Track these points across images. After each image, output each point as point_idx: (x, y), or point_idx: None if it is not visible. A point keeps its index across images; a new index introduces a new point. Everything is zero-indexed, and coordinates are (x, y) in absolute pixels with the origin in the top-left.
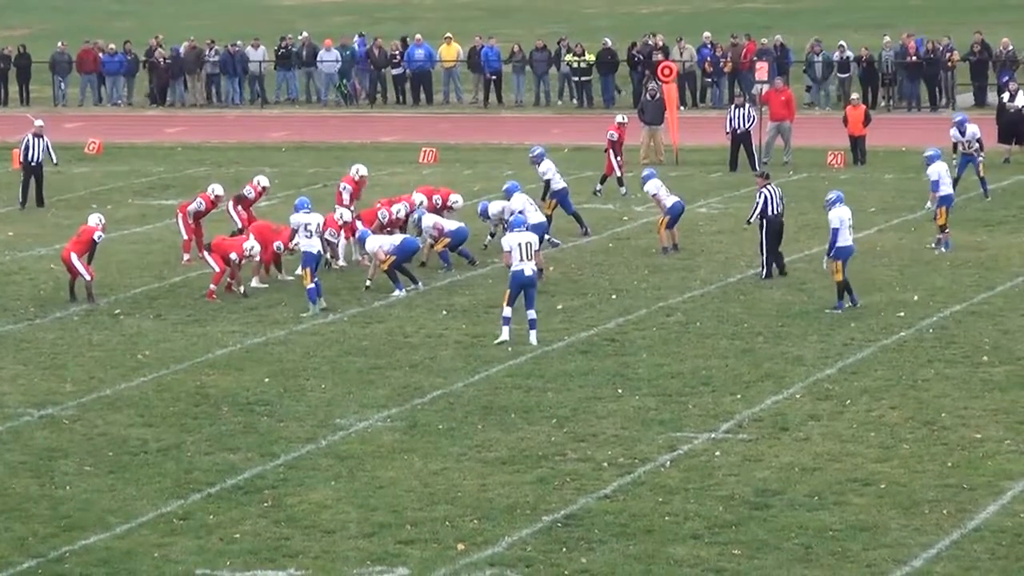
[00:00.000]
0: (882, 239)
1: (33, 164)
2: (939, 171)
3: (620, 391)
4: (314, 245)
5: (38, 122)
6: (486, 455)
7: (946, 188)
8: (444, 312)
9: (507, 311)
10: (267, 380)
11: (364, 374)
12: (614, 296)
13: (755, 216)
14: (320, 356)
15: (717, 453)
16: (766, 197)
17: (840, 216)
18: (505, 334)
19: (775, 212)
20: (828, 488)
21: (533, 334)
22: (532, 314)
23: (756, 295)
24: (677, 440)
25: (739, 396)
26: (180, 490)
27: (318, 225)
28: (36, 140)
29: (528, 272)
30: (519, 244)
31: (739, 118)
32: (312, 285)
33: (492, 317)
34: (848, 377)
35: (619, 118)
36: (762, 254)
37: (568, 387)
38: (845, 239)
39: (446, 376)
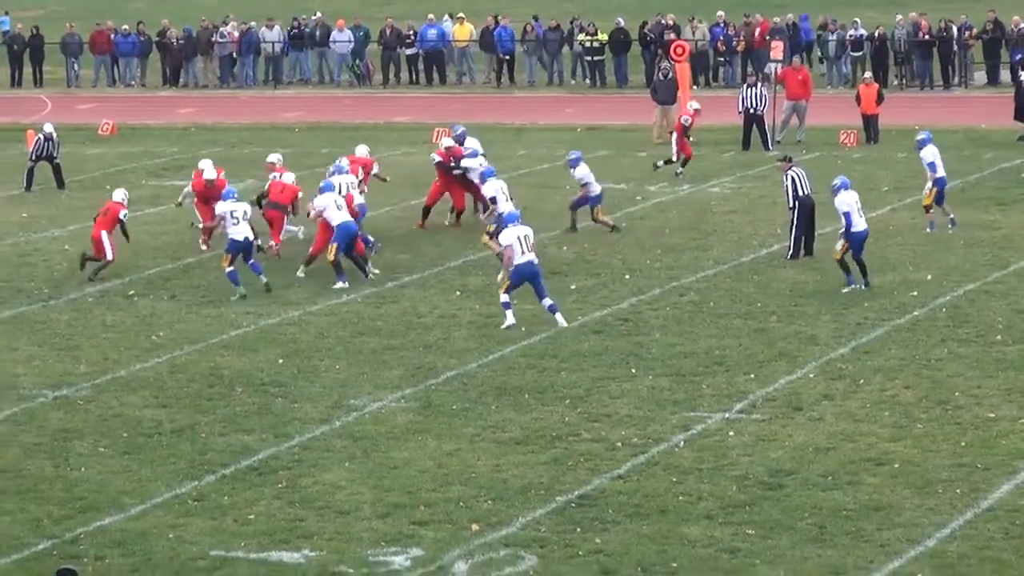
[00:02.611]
0: (895, 218)
1: (44, 156)
2: (933, 153)
3: (634, 371)
4: (240, 232)
5: (48, 127)
6: (500, 435)
7: (939, 170)
8: (458, 292)
9: (505, 297)
10: (281, 361)
11: (378, 355)
12: (627, 276)
13: (791, 200)
14: (334, 337)
15: (731, 433)
16: (794, 179)
17: (847, 200)
18: (510, 317)
19: (805, 192)
20: (842, 468)
21: (559, 316)
22: (548, 301)
23: (769, 275)
24: (691, 420)
25: (752, 376)
26: (195, 471)
27: (244, 212)
28: (47, 144)
29: (534, 262)
30: (518, 238)
31: (752, 97)
32: (231, 268)
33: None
34: (861, 357)
35: (694, 104)
36: (791, 235)
37: (582, 367)
38: (857, 223)
39: (460, 356)
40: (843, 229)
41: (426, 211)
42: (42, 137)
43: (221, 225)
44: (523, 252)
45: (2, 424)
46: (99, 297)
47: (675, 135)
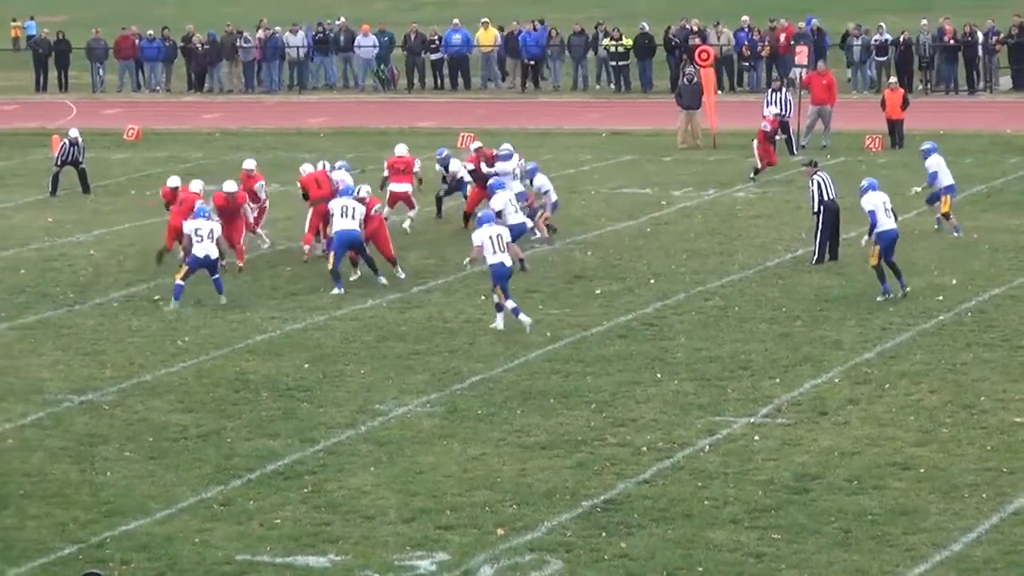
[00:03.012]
0: (921, 223)
1: (69, 162)
2: (938, 163)
3: (659, 375)
4: (202, 249)
5: (73, 132)
6: (525, 440)
7: (947, 179)
8: (483, 297)
9: (496, 297)
10: (307, 366)
11: (403, 359)
12: (652, 281)
13: (816, 204)
14: (360, 342)
15: (756, 437)
16: (819, 183)
17: (874, 200)
18: (498, 322)
19: (830, 197)
20: (867, 472)
21: (523, 315)
22: (512, 304)
23: (794, 279)
24: (716, 424)
25: (778, 380)
26: (220, 476)
27: (211, 231)
28: (72, 148)
29: (507, 264)
30: (490, 237)
31: (776, 102)
32: (180, 282)
33: (532, 302)
34: (887, 361)
35: (773, 109)
36: (816, 239)
37: (607, 372)
38: (884, 223)
39: (485, 361)
40: (869, 230)
41: (467, 217)
42: (67, 142)
43: (188, 242)
44: (495, 252)
45: (28, 428)
46: (125, 302)
47: (756, 143)
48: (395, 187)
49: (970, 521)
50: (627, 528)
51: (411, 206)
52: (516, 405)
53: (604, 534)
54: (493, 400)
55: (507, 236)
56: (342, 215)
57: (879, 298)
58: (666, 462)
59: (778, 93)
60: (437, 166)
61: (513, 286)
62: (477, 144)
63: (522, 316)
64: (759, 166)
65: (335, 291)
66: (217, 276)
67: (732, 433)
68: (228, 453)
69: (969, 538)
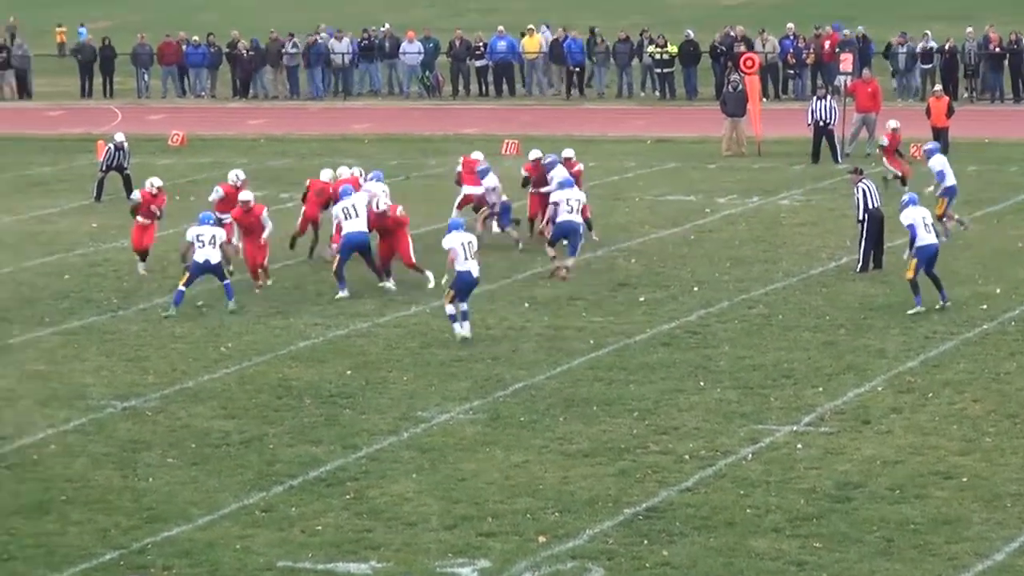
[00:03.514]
0: (964, 232)
1: (114, 167)
2: (942, 163)
3: (702, 383)
4: (203, 255)
5: (119, 136)
6: (568, 447)
7: (950, 179)
8: (526, 304)
9: (450, 309)
10: (349, 372)
11: (446, 366)
12: (696, 288)
13: (861, 212)
14: (402, 348)
15: (799, 446)
16: (864, 191)
17: (913, 215)
18: (459, 329)
19: (875, 205)
20: (910, 481)
21: (466, 325)
22: (464, 306)
23: (838, 287)
24: (759, 433)
25: (821, 389)
26: (262, 482)
27: (213, 237)
28: (118, 152)
29: (475, 273)
30: (462, 244)
31: (821, 110)
32: (183, 289)
33: (575, 309)
34: (930, 370)
35: (893, 123)
36: (860, 247)
37: (650, 379)
38: (923, 237)
39: (528, 368)
40: (909, 244)
41: (532, 223)
42: (112, 147)
43: (189, 248)
44: (465, 259)
45: (71, 434)
46: (168, 308)
47: (885, 160)
48: (468, 189)
49: (1013, 531)
50: (669, 536)
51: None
52: (559, 412)
53: (646, 542)
54: (536, 407)
55: (476, 244)
56: (346, 217)
57: (910, 312)
58: (708, 470)
59: (822, 101)
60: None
61: (556, 294)
62: (537, 153)
63: (458, 326)
64: (901, 175)
65: (340, 294)
66: (226, 281)
67: (775, 441)
68: (270, 459)
69: (1012, 548)
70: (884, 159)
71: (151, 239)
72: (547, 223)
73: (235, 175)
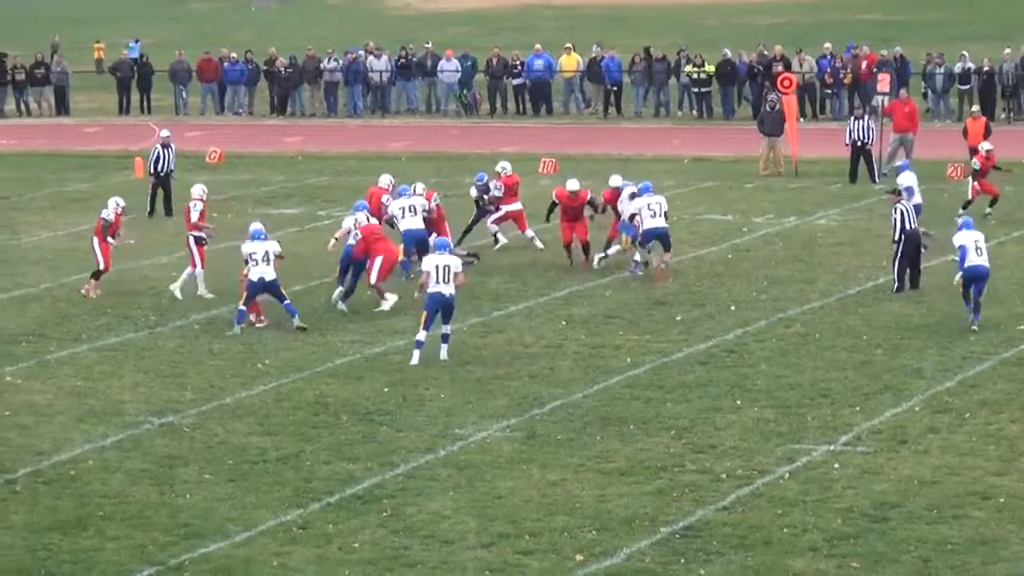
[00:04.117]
0: (1002, 252)
1: (162, 174)
2: (911, 180)
3: (739, 402)
4: (257, 272)
5: (164, 132)
6: (605, 466)
7: (917, 198)
8: (563, 322)
9: (422, 335)
10: (386, 390)
11: (483, 384)
12: (733, 307)
13: (897, 233)
14: (439, 366)
15: (836, 465)
16: (902, 212)
17: (965, 239)
18: (415, 358)
19: (912, 227)
20: (947, 501)
21: (444, 348)
22: (447, 328)
23: (875, 307)
24: (796, 452)
25: (858, 408)
26: (299, 499)
27: (266, 253)
28: (164, 150)
29: (447, 294)
30: (435, 266)
31: (859, 130)
32: (243, 308)
33: (612, 328)
34: (968, 390)
35: (986, 145)
36: (894, 268)
37: (687, 398)
38: (973, 260)
39: (565, 386)
40: (959, 265)
41: (586, 248)
42: (159, 145)
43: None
44: (437, 281)
45: (108, 450)
46: (205, 324)
47: (974, 183)
48: (508, 207)
49: None
50: (706, 555)
51: (523, 226)
52: (596, 431)
53: (683, 560)
54: (573, 425)
55: (455, 267)
56: (402, 216)
57: (972, 327)
58: (745, 489)
59: (860, 121)
60: (473, 191)
61: (594, 312)
62: (617, 180)
63: (444, 347)
64: (994, 196)
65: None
66: (286, 301)
67: (812, 461)
68: (307, 476)
69: None
70: (973, 182)
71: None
72: (631, 238)
73: (201, 189)
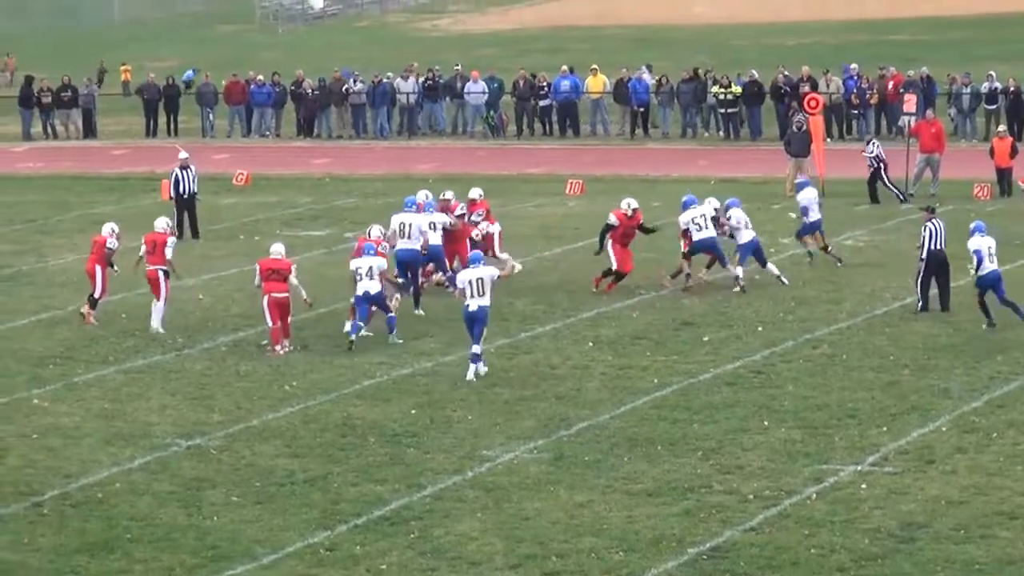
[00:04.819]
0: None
1: (185, 196)
2: (810, 198)
3: (766, 423)
4: (361, 287)
5: (183, 154)
6: (632, 487)
7: (815, 215)
8: (590, 344)
9: (475, 348)
10: (414, 411)
11: (510, 405)
12: (760, 328)
13: (924, 252)
14: (467, 387)
15: (863, 486)
16: (931, 231)
17: (979, 243)
18: (471, 373)
19: (939, 247)
20: (975, 521)
21: (472, 369)
22: (476, 348)
23: (902, 327)
24: (823, 472)
25: (885, 429)
26: (327, 521)
27: (371, 268)
28: (184, 172)
29: (472, 308)
30: (469, 281)
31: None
32: (358, 323)
33: (639, 349)
34: (995, 410)
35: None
36: (917, 286)
37: (714, 419)
38: (986, 266)
39: (592, 407)
40: (975, 267)
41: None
42: (178, 168)
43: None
44: (471, 295)
45: (136, 473)
46: (233, 346)
47: None
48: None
49: None
50: None
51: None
52: (623, 452)
53: None
54: (600, 447)
55: (490, 278)
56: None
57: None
58: (773, 510)
59: (870, 144)
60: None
61: (621, 332)
62: (633, 204)
63: (473, 368)
64: None
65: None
66: (390, 315)
67: (839, 481)
68: (335, 498)
69: None
70: None
71: None
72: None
73: (164, 222)
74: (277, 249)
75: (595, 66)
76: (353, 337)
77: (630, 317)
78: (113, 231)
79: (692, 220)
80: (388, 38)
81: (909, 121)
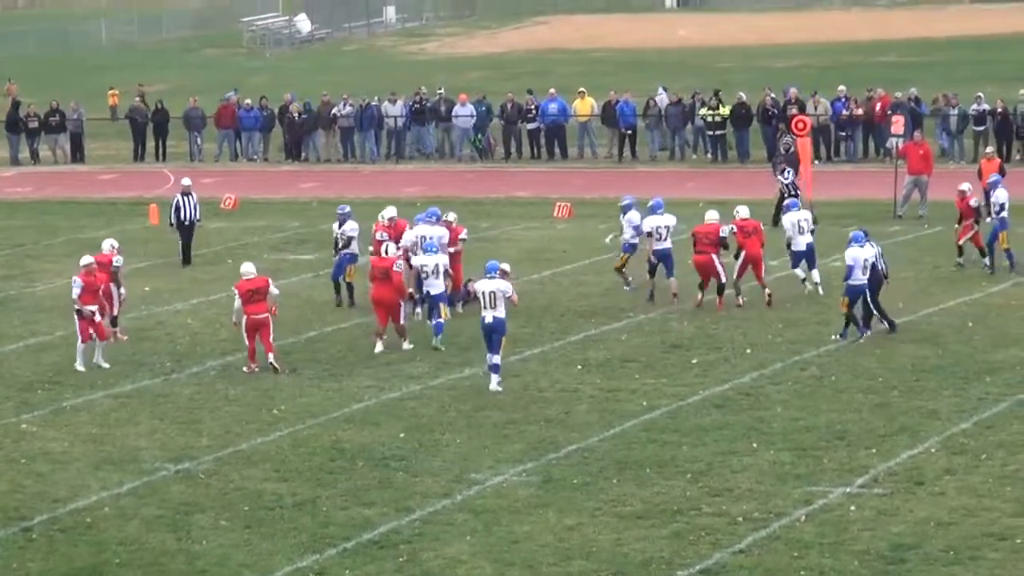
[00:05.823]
0: (1017, 292)
1: (187, 223)
2: (793, 220)
3: (755, 445)
4: (428, 285)
5: (186, 181)
6: (621, 510)
7: (797, 244)
8: (579, 367)
9: (493, 359)
10: (402, 435)
11: (499, 429)
12: (749, 350)
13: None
14: (455, 410)
15: (852, 507)
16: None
17: (855, 255)
18: (494, 383)
19: (880, 267)
20: (964, 543)
21: (494, 379)
22: (494, 359)
23: (891, 349)
24: (812, 495)
25: (874, 450)
26: (316, 545)
27: (436, 267)
28: (185, 199)
29: (488, 319)
30: (483, 292)
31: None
32: (438, 321)
33: (628, 371)
34: (984, 431)
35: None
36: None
37: (703, 441)
38: (857, 278)
39: (581, 431)
40: (844, 277)
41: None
42: (179, 194)
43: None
44: (485, 307)
45: (124, 497)
46: (221, 371)
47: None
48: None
49: None
50: None
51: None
52: (612, 475)
53: None
54: (589, 470)
55: (502, 293)
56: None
57: (857, 340)
58: (762, 532)
59: (779, 168)
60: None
61: (609, 356)
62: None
63: (495, 378)
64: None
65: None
66: (439, 320)
67: (828, 503)
68: (324, 522)
69: None
70: None
71: None
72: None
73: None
74: (248, 269)
75: (583, 89)
76: (437, 339)
77: (619, 340)
78: (114, 247)
79: (656, 228)
80: (376, 62)
81: (897, 143)
